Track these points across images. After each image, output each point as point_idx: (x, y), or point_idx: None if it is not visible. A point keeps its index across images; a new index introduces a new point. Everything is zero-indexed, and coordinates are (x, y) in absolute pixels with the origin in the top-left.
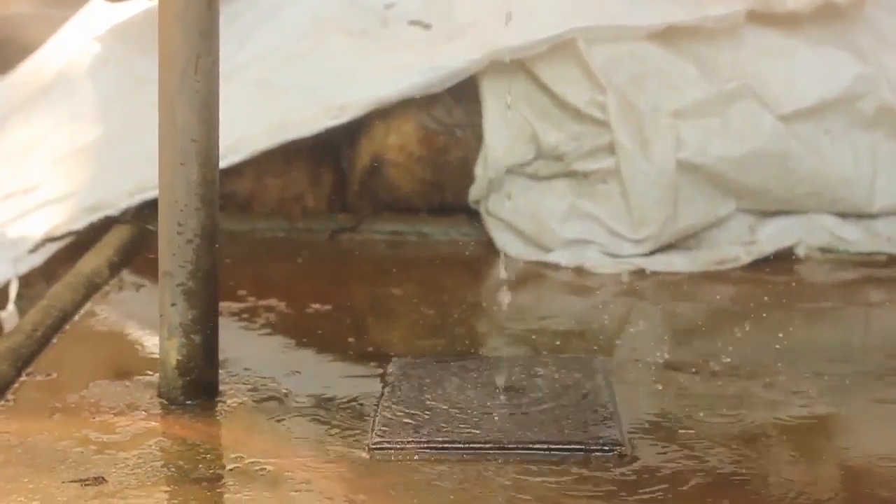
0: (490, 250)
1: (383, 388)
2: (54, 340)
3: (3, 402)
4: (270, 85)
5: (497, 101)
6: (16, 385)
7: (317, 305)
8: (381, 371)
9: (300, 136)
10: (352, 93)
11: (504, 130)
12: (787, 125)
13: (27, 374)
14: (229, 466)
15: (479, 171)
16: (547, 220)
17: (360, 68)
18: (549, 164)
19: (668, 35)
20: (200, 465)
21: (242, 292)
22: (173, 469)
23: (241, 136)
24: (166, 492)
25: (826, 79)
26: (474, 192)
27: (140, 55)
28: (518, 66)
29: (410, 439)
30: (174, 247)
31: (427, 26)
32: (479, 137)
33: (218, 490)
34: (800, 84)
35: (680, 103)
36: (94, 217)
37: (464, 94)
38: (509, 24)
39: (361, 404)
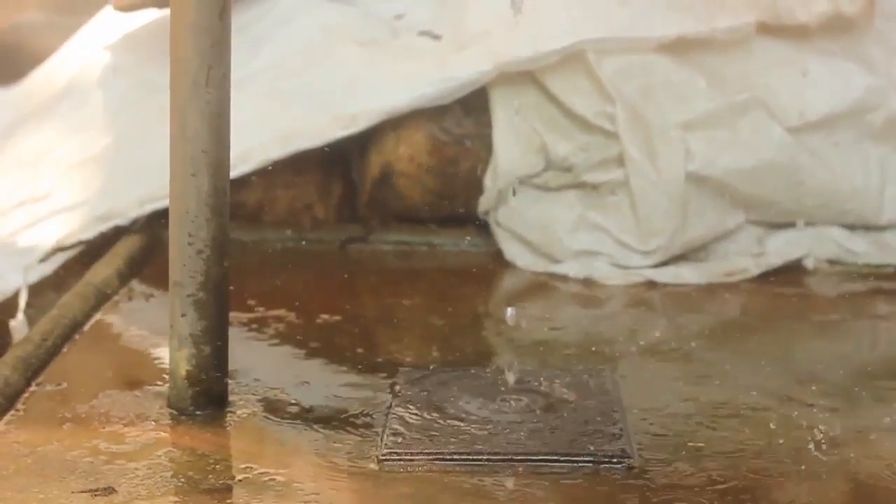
0: (499, 261)
1: (392, 398)
2: (64, 350)
3: (13, 412)
4: (281, 94)
5: (506, 111)
6: (26, 395)
7: (326, 316)
8: (390, 382)
9: (311, 146)
10: (362, 103)
11: (513, 141)
12: (796, 137)
13: (37, 384)
14: (239, 477)
15: (488, 181)
16: (556, 231)
17: (371, 78)
18: (558, 175)
19: (678, 47)
20: (210, 476)
21: (252, 302)
22: (183, 479)
23: (252, 146)
24: (176, 502)
25: (836, 91)
26: (483, 203)
27: (151, 65)
28: (527, 77)
29: (419, 450)
30: (184, 257)
31: (437, 37)
32: (488, 148)
33: (227, 501)
34: (809, 96)
35: (689, 115)
36: (105, 226)
37: (474, 104)
38: (519, 35)
39: (371, 415)
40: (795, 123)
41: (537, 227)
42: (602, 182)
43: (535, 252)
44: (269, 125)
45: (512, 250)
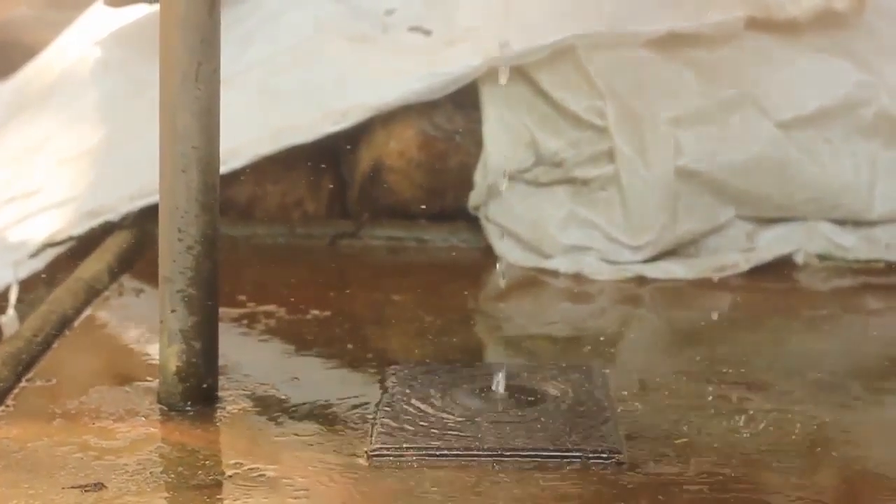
0: (489, 256)
1: (382, 394)
2: (54, 346)
3: (3, 408)
4: (271, 90)
5: (497, 107)
6: (16, 390)
7: (316, 311)
8: (380, 377)
9: (301, 141)
10: (352, 99)
11: (504, 137)
12: (786, 132)
13: (27, 380)
14: (228, 473)
15: (478, 177)
16: (546, 226)
17: (361, 74)
18: (548, 170)
19: (668, 42)
20: (200, 472)
21: (242, 298)
22: (173, 475)
23: (242, 142)
24: (166, 498)
25: (826, 86)
26: (474, 199)
27: (141, 60)
28: (518, 73)
29: (409, 446)
30: (174, 253)
31: (427, 32)
32: (478, 144)
33: (217, 497)
34: (799, 91)
35: (679, 110)
36: (95, 222)
37: (464, 100)
38: (507, 38)
39: (360, 411)
40: (786, 119)
41: (527, 222)
42: (592, 177)
43: (526, 247)
44: (260, 121)
45: (502, 246)
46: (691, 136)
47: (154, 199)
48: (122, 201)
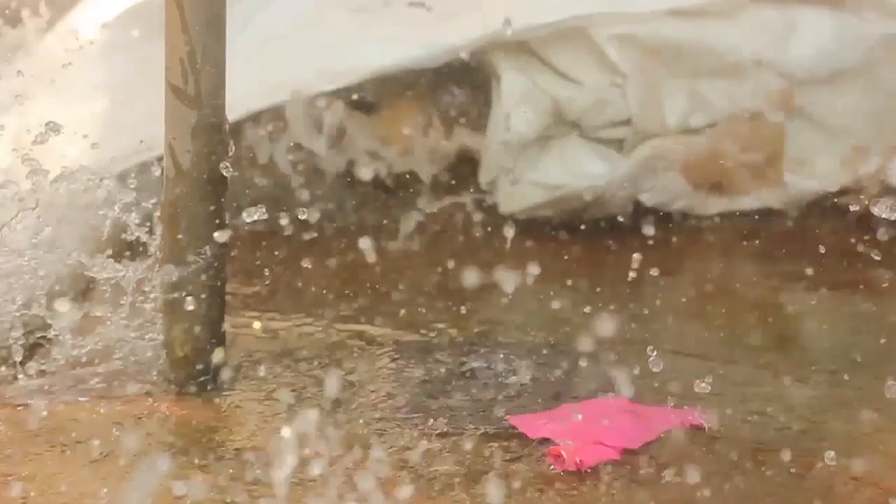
0: None
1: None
2: None
3: None
4: (269, 52)
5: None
6: None
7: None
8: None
9: (294, 99)
10: (350, 61)
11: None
12: (799, 90)
13: None
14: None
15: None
16: None
17: (360, 41)
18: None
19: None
20: (205, 450)
21: (244, 279)
22: (177, 452)
23: (235, 98)
24: (169, 475)
25: (842, 46)
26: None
27: (148, 41)
28: (527, 48)
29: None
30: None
31: (429, 8)
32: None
33: (220, 475)
34: (806, 51)
35: (695, 72)
36: None
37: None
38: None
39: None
40: (799, 78)
41: None
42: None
43: None
44: (255, 80)
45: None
46: (707, 96)
47: None
48: None
